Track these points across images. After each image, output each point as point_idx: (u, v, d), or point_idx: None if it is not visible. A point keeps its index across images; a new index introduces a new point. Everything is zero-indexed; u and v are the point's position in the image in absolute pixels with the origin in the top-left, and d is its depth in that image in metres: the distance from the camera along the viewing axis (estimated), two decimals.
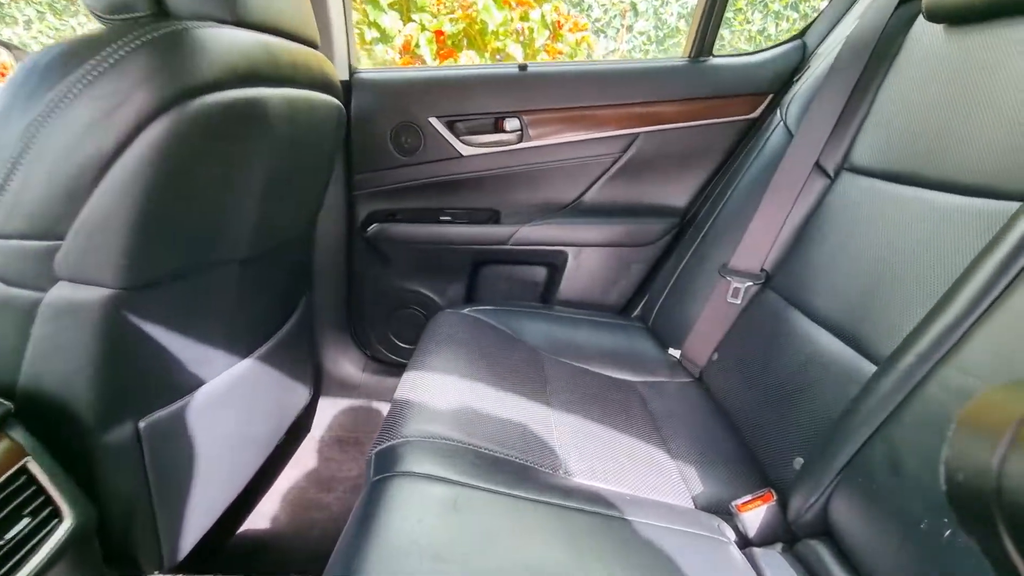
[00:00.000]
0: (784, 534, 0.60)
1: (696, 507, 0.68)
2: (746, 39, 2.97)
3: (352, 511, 0.54)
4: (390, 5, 2.42)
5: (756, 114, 1.09)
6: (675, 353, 1.04)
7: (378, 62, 2.62)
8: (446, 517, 0.51)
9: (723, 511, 0.66)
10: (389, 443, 0.63)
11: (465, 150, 1.13)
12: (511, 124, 1.12)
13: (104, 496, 0.60)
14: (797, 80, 1.03)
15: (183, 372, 0.70)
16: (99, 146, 0.49)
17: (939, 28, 0.75)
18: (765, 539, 0.60)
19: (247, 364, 0.84)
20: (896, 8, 0.85)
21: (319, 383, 1.28)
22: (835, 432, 0.57)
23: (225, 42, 0.56)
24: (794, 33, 1.11)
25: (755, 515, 0.61)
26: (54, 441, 0.55)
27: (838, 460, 0.55)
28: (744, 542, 0.61)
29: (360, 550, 0.47)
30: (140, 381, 0.63)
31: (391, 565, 0.45)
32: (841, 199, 0.84)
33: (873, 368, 0.60)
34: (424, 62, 2.47)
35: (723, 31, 2.87)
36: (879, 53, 0.85)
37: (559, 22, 2.41)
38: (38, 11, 3.14)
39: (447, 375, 0.79)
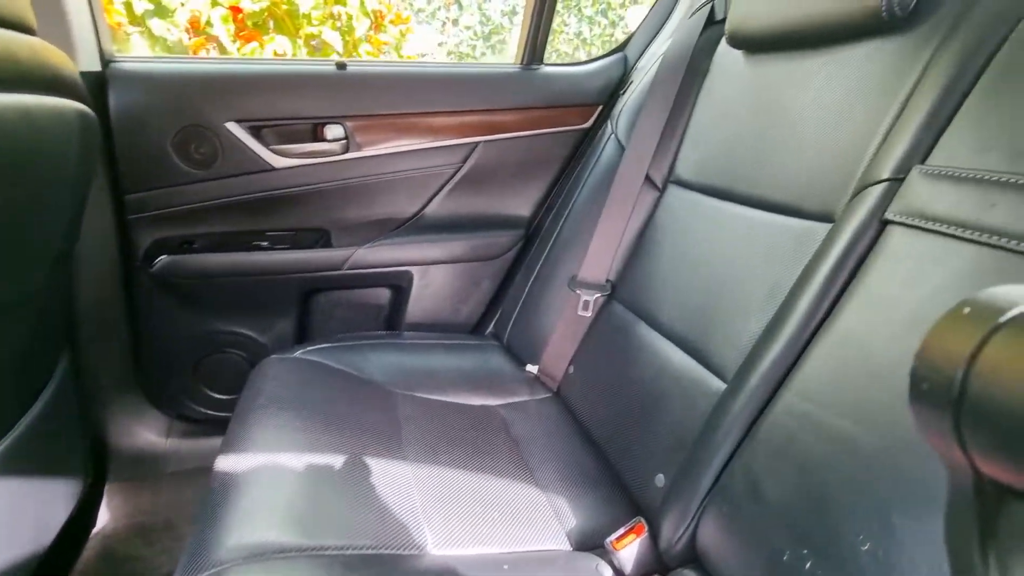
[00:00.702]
0: (658, 565, 0.60)
1: (572, 546, 0.66)
2: (564, 40, 3.15)
3: None
4: None
5: (588, 124, 1.11)
6: (532, 369, 1.01)
7: (166, 48, 2.14)
8: None
9: (598, 547, 0.64)
10: (200, 575, 0.48)
11: (277, 161, 0.95)
12: (333, 132, 0.97)
13: None
14: (623, 93, 1.07)
15: None
16: None
17: (740, 53, 0.81)
18: (641, 572, 0.59)
19: None
20: (703, 30, 0.91)
21: (102, 464, 0.99)
22: (695, 454, 0.58)
23: None
24: (612, 44, 1.15)
25: (630, 551, 0.60)
26: None
27: (702, 485, 0.56)
28: None
29: None
30: None
31: None
32: (670, 212, 0.88)
33: (720, 384, 0.62)
34: (222, 47, 2.09)
35: None
36: (691, 71, 0.91)
37: (381, 12, 2.24)
38: None
39: (275, 451, 0.64)
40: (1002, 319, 0.15)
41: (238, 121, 0.91)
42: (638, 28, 1.11)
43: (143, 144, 0.88)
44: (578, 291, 0.95)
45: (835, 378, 0.46)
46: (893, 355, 0.43)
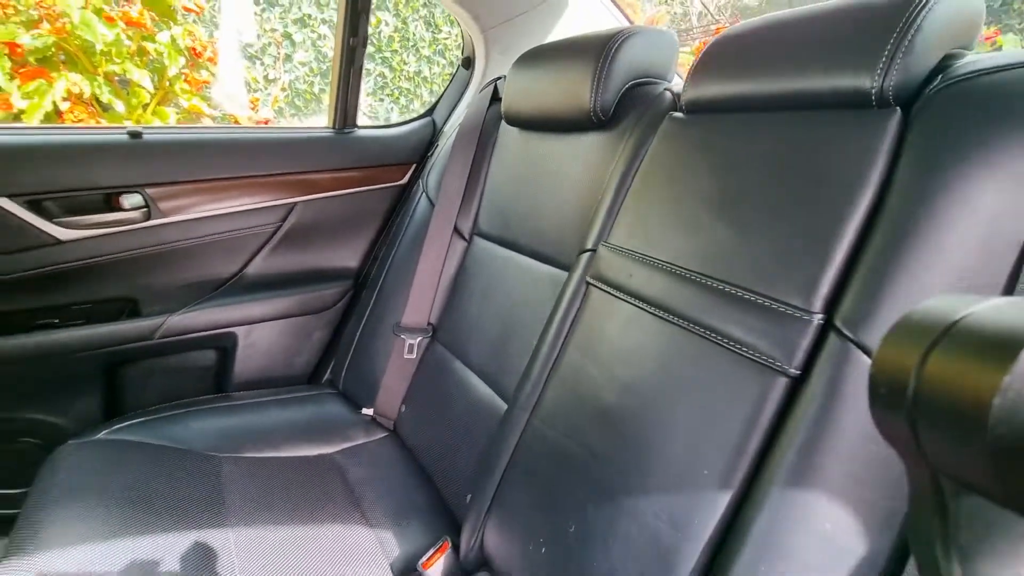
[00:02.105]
0: (462, 574, 0.70)
1: (394, 574, 0.73)
2: (406, 78, 3.27)
3: None
4: None
5: (404, 180, 1.22)
6: (367, 412, 1.07)
7: None
8: None
9: (414, 570, 0.73)
10: None
11: (64, 234, 0.90)
12: (131, 200, 0.94)
13: None
14: (431, 153, 1.19)
15: None
16: None
17: (515, 128, 0.98)
18: None
19: None
20: (491, 103, 1.07)
21: None
22: (483, 471, 0.70)
23: None
24: (426, 106, 1.28)
25: (436, 569, 0.69)
26: None
27: (486, 497, 0.68)
28: None
29: None
30: None
31: None
32: (476, 259, 1.02)
33: None
34: None
35: (384, 69, 3.07)
36: (484, 138, 1.06)
37: (195, 49, 2.12)
38: None
39: (69, 546, 0.62)
40: (950, 322, 0.16)
41: (12, 196, 0.84)
42: (442, 95, 1.26)
43: None
44: (403, 336, 1.04)
45: (562, 404, 0.61)
46: (597, 383, 0.58)
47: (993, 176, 0.37)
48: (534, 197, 0.89)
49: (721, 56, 0.57)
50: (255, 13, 2.65)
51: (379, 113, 3.24)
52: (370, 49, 3.03)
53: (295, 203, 1.10)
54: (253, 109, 2.62)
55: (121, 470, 0.77)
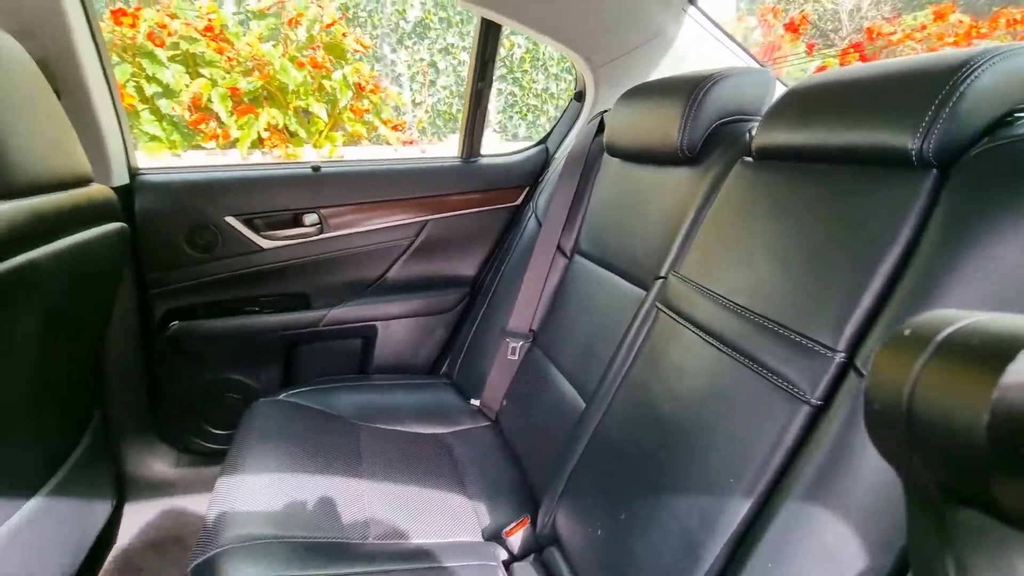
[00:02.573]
0: (536, 545, 0.82)
1: (484, 538, 0.88)
2: (534, 95, 3.48)
3: None
4: (171, 58, 2.28)
5: (518, 202, 1.37)
6: (475, 403, 1.25)
7: (171, 122, 2.43)
8: None
9: (500, 537, 0.87)
10: (206, 555, 0.70)
11: (266, 244, 1.20)
12: (310, 219, 1.23)
13: None
14: (542, 178, 1.33)
15: None
16: None
17: (616, 159, 1.08)
18: (525, 553, 0.82)
19: (29, 506, 0.81)
20: (595, 136, 1.18)
21: (122, 491, 1.21)
22: (560, 459, 0.82)
23: None
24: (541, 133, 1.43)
25: (516, 538, 0.82)
26: None
27: (560, 484, 0.79)
28: (512, 559, 0.82)
29: None
30: None
31: None
32: (575, 275, 1.13)
33: None
34: (220, 118, 2.38)
35: (514, 88, 3.31)
36: (588, 166, 1.17)
37: (360, 84, 2.54)
38: None
39: (262, 472, 0.87)
40: (939, 337, 0.16)
41: (235, 216, 1.16)
42: (556, 124, 1.39)
43: (160, 236, 1.13)
44: (508, 339, 1.19)
45: (626, 409, 0.71)
46: (656, 394, 0.67)
47: (1022, 237, 0.39)
48: (627, 223, 0.98)
49: (788, 107, 0.62)
50: (406, 46, 3.05)
51: (508, 128, 3.49)
52: (502, 70, 3.29)
53: (427, 220, 1.32)
54: (400, 130, 3.02)
55: (294, 425, 1.03)
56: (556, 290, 1.18)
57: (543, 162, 1.38)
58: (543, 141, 1.40)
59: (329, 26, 2.37)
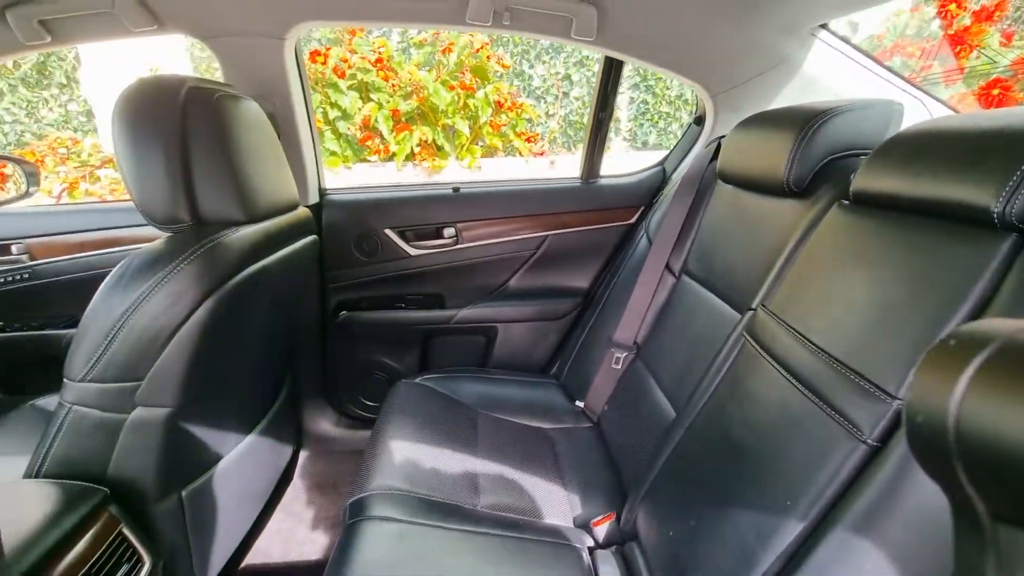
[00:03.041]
0: (618, 539, 0.92)
1: (574, 525, 1.00)
2: (667, 102, 3.44)
3: (334, 546, 0.83)
4: (349, 87, 2.75)
5: (633, 220, 1.45)
6: (580, 404, 1.36)
7: (346, 140, 2.93)
8: (395, 546, 0.81)
9: (588, 527, 0.98)
10: (359, 496, 0.93)
11: (413, 251, 1.45)
12: (448, 232, 1.45)
13: (161, 545, 0.88)
14: (657, 199, 1.39)
15: (209, 452, 0.98)
16: (172, 319, 0.78)
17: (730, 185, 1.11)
18: (608, 543, 0.92)
19: (250, 438, 1.12)
20: (711, 161, 1.21)
21: (300, 439, 1.55)
22: (647, 464, 0.90)
23: (239, 240, 0.86)
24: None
25: (602, 529, 0.93)
26: (133, 510, 0.83)
27: (644, 487, 0.88)
28: (596, 546, 0.93)
29: (342, 571, 0.76)
30: (183, 464, 0.91)
31: None
32: (681, 294, 1.19)
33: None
34: (383, 136, 2.80)
35: (647, 96, 3.32)
36: (701, 190, 1.21)
37: (499, 102, 2.79)
38: (10, 84, 3.33)
39: (400, 440, 1.09)
40: (988, 349, 0.16)
41: (392, 228, 1.42)
42: (674, 147, 1.44)
43: (337, 243, 1.43)
44: (613, 349, 1.28)
45: (706, 427, 0.77)
46: (733, 418, 0.73)
47: None
48: (734, 249, 1.02)
49: (888, 154, 0.63)
50: (543, 61, 3.23)
51: (637, 136, 3.50)
52: (635, 78, 3.32)
53: (548, 235, 1.46)
54: (533, 141, 3.22)
55: (426, 405, 1.24)
56: (662, 307, 1.24)
57: (659, 184, 1.43)
58: (661, 163, 1.46)
59: (477, 51, 2.65)
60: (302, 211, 1.12)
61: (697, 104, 1.38)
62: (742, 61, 1.17)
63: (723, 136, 1.20)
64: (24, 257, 1.34)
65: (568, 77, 3.33)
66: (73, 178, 2.54)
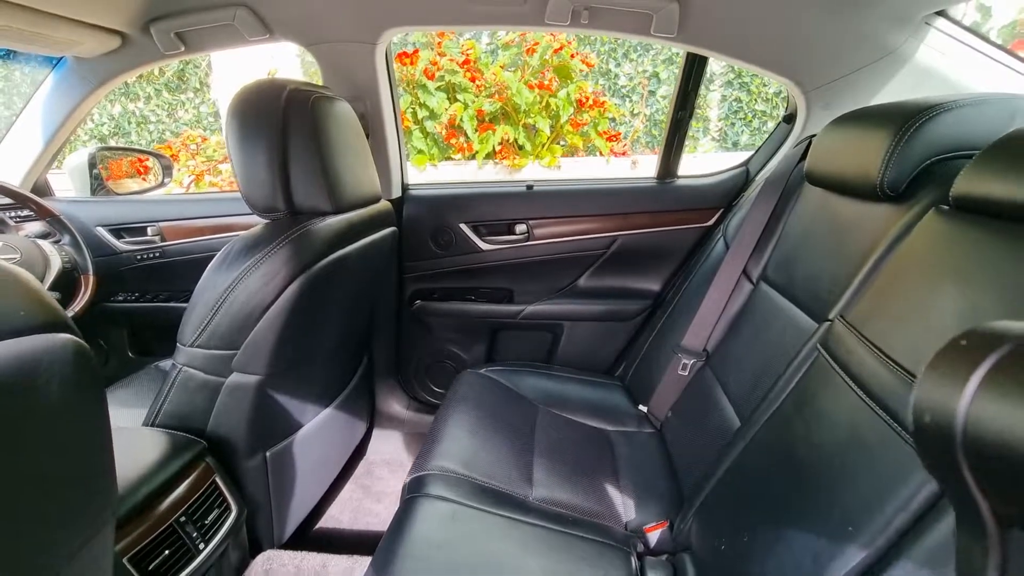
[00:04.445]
0: (670, 548, 0.90)
1: (626, 529, 0.99)
2: (763, 100, 3.22)
3: (393, 517, 0.89)
4: (437, 88, 2.88)
5: (711, 223, 1.39)
6: (643, 408, 1.33)
7: (432, 139, 3.07)
8: (446, 524, 0.85)
9: (640, 532, 0.96)
10: (418, 474, 0.98)
11: (485, 246, 1.49)
12: (520, 228, 1.48)
13: (247, 497, 0.99)
14: (737, 201, 1.32)
15: (291, 419, 1.08)
16: (265, 296, 0.88)
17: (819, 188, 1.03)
18: (660, 551, 0.90)
19: (328, 411, 1.22)
20: (799, 162, 1.14)
21: (373, 418, 1.66)
22: (704, 475, 0.87)
23: (325, 228, 0.95)
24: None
25: (654, 536, 0.91)
26: (225, 464, 0.94)
27: (701, 495, 0.85)
28: (647, 552, 0.91)
29: (396, 543, 0.81)
30: (269, 427, 1.02)
31: (413, 552, 0.80)
32: (757, 302, 1.12)
33: None
34: (467, 135, 2.90)
35: (740, 94, 3.14)
36: (786, 193, 1.14)
37: (580, 100, 2.77)
38: (156, 89, 3.86)
39: (461, 427, 1.13)
40: (1000, 350, 0.15)
41: (466, 222, 1.48)
42: (760, 147, 1.35)
43: (415, 236, 1.51)
44: (681, 355, 1.24)
45: (769, 442, 0.73)
46: (796, 434, 0.68)
47: None
48: (818, 257, 0.95)
49: (999, 153, 0.56)
50: (631, 59, 3.16)
51: (728, 136, 3.32)
52: (730, 75, 3.14)
53: (618, 235, 1.44)
54: (615, 140, 3.17)
55: (489, 395, 1.28)
56: (736, 314, 1.18)
57: (741, 185, 1.36)
58: (745, 164, 1.39)
59: (557, 51, 2.66)
60: (383, 204, 1.19)
61: (789, 101, 1.29)
62: (841, 54, 1.08)
63: (814, 135, 1.12)
64: (157, 238, 1.55)
65: (656, 75, 3.23)
66: (200, 171, 2.90)
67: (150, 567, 0.76)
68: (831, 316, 0.75)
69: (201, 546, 0.84)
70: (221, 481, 0.92)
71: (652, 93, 3.28)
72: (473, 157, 2.95)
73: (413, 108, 2.88)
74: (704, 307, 1.22)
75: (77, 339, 0.42)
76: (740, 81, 3.26)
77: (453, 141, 2.95)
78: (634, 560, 0.87)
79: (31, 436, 0.39)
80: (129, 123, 3.78)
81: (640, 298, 1.49)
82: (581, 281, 1.51)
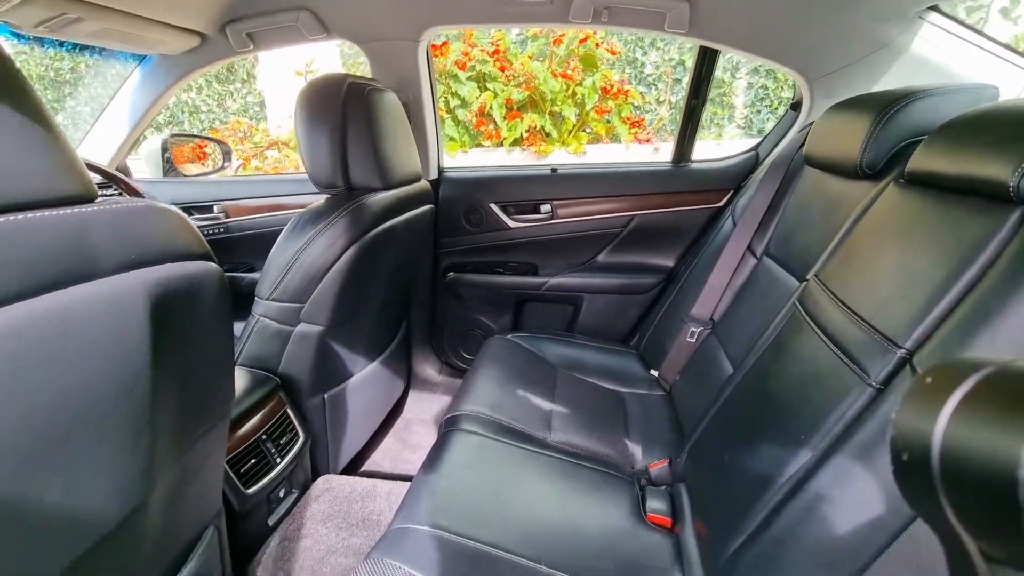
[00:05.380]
0: (669, 480, 1.04)
1: (632, 466, 1.13)
2: (789, 87, 3.25)
3: (431, 448, 1.06)
4: (468, 78, 3.01)
5: (722, 203, 1.50)
6: (654, 373, 1.47)
7: (463, 127, 3.22)
8: (476, 452, 1.01)
9: (644, 469, 1.10)
10: (452, 414, 1.15)
11: (512, 224, 1.64)
12: (545, 208, 1.62)
13: (310, 430, 1.17)
14: (746, 183, 1.43)
15: (344, 368, 1.26)
16: (327, 259, 1.05)
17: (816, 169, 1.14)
18: (660, 483, 1.04)
19: (373, 366, 1.40)
20: (800, 147, 1.24)
21: (410, 380, 1.84)
22: (700, 416, 1.01)
23: (377, 202, 1.11)
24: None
25: (656, 471, 1.05)
26: (294, 399, 1.13)
27: (692, 437, 0.99)
28: (649, 483, 1.05)
29: (433, 464, 0.98)
30: (328, 372, 1.20)
31: (448, 470, 0.96)
32: (759, 275, 1.24)
33: None
34: (496, 123, 3.04)
35: (767, 81, 3.16)
36: (789, 174, 1.25)
37: (605, 88, 2.87)
38: (207, 80, 4.11)
39: (490, 381, 1.29)
40: (964, 387, 0.16)
41: (495, 202, 1.63)
42: (770, 132, 1.45)
43: (450, 214, 1.67)
44: (689, 324, 1.37)
45: (748, 389, 0.86)
46: (772, 374, 0.81)
47: None
48: (811, 231, 1.06)
49: (940, 136, 0.67)
50: (657, 47, 3.23)
51: (753, 124, 3.36)
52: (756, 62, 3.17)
53: (635, 215, 1.57)
54: (638, 126, 3.25)
55: (514, 356, 1.43)
56: (741, 287, 1.30)
57: (751, 167, 1.47)
58: (755, 148, 1.49)
59: (583, 41, 2.75)
60: (424, 184, 1.35)
61: (795, 89, 1.38)
62: (840, 47, 1.18)
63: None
64: (222, 215, 1.75)
65: (682, 63, 3.29)
66: (247, 156, 3.12)
67: (242, 470, 0.95)
68: (808, 276, 0.87)
69: (278, 460, 1.03)
70: (291, 412, 1.11)
71: (678, 81, 3.34)
72: (501, 144, 3.08)
73: (445, 97, 3.02)
74: (712, 280, 1.34)
75: (220, 268, 0.59)
76: (766, 68, 3.29)
77: (482, 128, 3.09)
78: (637, 489, 1.02)
79: (193, 334, 0.56)
80: (183, 112, 4.06)
81: (654, 273, 1.62)
82: (600, 257, 1.65)
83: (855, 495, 0.58)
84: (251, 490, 0.97)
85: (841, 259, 0.79)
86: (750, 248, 1.30)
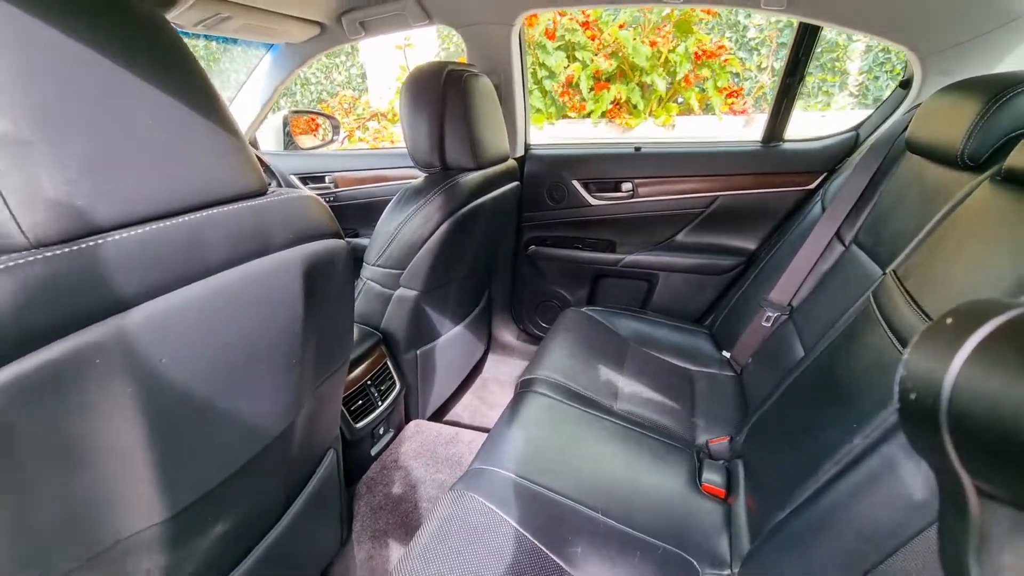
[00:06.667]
0: (728, 456, 1.09)
1: (693, 439, 1.19)
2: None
3: (506, 407, 1.19)
4: (556, 47, 3.00)
5: (813, 186, 1.45)
6: (726, 354, 1.49)
7: (551, 98, 3.24)
8: (546, 413, 1.13)
9: (704, 443, 1.16)
10: (527, 377, 1.27)
11: (593, 201, 1.69)
12: (626, 186, 1.65)
13: (405, 380, 1.35)
14: (841, 166, 1.37)
15: (434, 329, 1.42)
16: (424, 232, 1.18)
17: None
18: (719, 457, 1.10)
19: (458, 328, 1.55)
20: (904, 130, 1.17)
21: (490, 345, 2.00)
22: (765, 398, 1.04)
23: (468, 182, 1.22)
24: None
25: (716, 446, 1.11)
26: (392, 353, 1.30)
27: (755, 416, 1.03)
28: (708, 456, 1.11)
29: (508, 420, 1.10)
30: (420, 332, 1.36)
31: (521, 426, 1.08)
32: (845, 264, 1.21)
33: None
34: (581, 93, 3.02)
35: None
36: (889, 160, 1.19)
37: (697, 53, 2.73)
38: None
39: (563, 350, 1.39)
40: (984, 328, 0.16)
41: (577, 179, 1.68)
42: (874, 112, 1.37)
43: (533, 189, 1.75)
44: (766, 308, 1.37)
45: (813, 376, 0.89)
46: (839, 364, 0.83)
47: None
48: (905, 223, 1.02)
49: None
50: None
51: (870, 91, 3.05)
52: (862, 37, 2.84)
53: (719, 196, 1.56)
54: (736, 96, 3.08)
55: (588, 328, 1.52)
56: (825, 274, 1.27)
57: (848, 149, 1.40)
58: (855, 128, 1.41)
59: None
60: (511, 162, 1.44)
61: (906, 67, 1.29)
62: (960, 18, 1.08)
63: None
64: (332, 185, 1.97)
65: (791, 23, 3.02)
66: (352, 127, 3.38)
67: (352, 408, 1.14)
68: (887, 271, 0.86)
69: (379, 402, 1.22)
70: (390, 363, 1.29)
71: (783, 45, 3.09)
72: (588, 115, 3.07)
73: (533, 68, 3.05)
74: (793, 265, 1.33)
75: (347, 244, 0.73)
76: None
77: (566, 99, 3.09)
78: (695, 461, 1.09)
79: (329, 295, 0.71)
80: (295, 84, 4.43)
81: (735, 255, 1.61)
82: (679, 236, 1.66)
83: (896, 485, 0.62)
84: (359, 424, 1.16)
85: (923, 256, 0.78)
86: (838, 235, 1.26)
